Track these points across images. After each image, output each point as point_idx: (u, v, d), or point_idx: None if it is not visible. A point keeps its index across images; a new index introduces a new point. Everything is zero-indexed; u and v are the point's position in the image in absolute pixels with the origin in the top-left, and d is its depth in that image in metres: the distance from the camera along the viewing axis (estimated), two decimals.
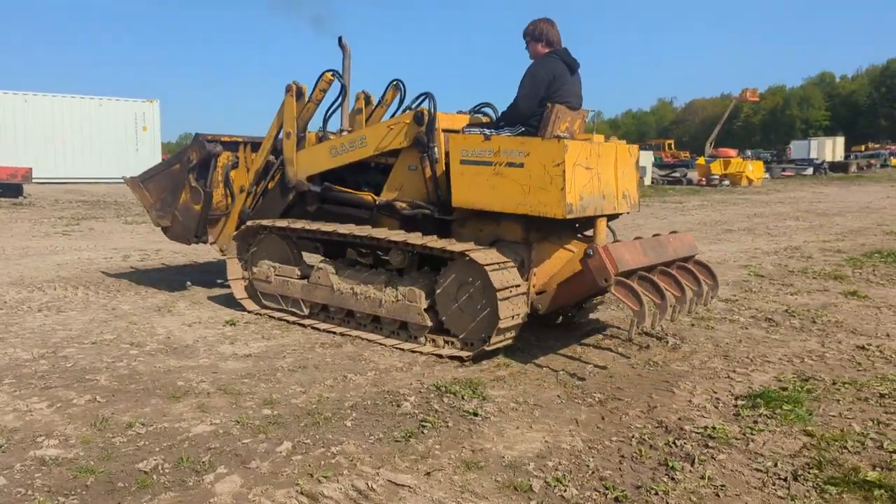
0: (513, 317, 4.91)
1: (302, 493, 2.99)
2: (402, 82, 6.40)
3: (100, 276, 7.75)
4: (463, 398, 4.17)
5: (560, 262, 5.32)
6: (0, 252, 9.37)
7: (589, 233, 5.54)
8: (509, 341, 5.09)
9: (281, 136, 6.59)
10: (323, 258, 6.20)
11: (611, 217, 5.56)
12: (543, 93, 5.29)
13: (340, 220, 6.10)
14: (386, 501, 2.95)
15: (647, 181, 31.90)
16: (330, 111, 6.42)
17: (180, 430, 3.64)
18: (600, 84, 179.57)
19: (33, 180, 19.83)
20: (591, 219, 5.31)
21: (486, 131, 5.35)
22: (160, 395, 4.13)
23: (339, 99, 6.40)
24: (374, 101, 6.52)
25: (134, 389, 4.22)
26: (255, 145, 6.96)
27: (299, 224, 6.04)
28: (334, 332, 5.57)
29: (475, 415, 3.93)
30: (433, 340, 5.32)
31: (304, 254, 6.52)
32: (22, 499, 2.91)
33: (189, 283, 7.29)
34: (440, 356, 5.05)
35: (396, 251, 5.57)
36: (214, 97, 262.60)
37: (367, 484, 3.08)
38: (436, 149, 5.47)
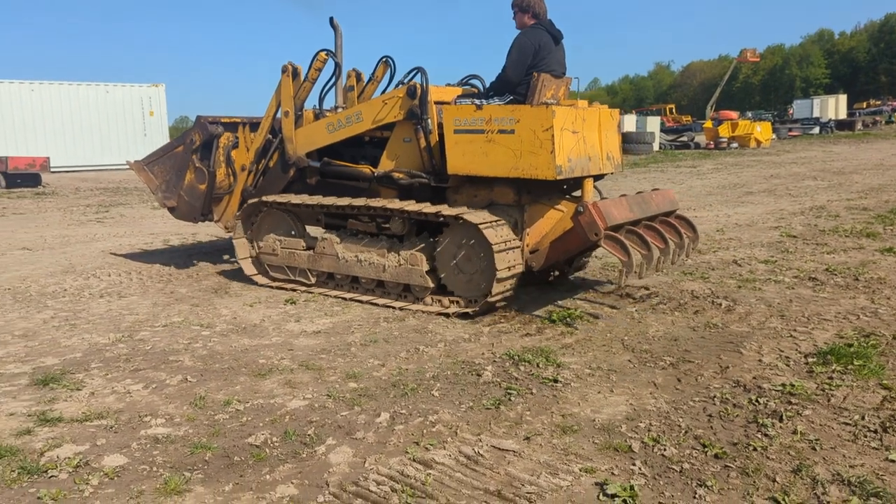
0: (509, 267, 5.31)
1: (415, 461, 3.12)
2: (391, 59, 6.69)
3: (147, 262, 7.84)
4: (538, 366, 4.30)
5: (551, 221, 5.66)
6: (42, 241, 9.46)
7: (577, 193, 5.88)
8: (509, 292, 5.47)
9: (279, 115, 6.83)
10: (325, 229, 6.46)
11: (597, 178, 5.88)
12: (530, 61, 5.61)
13: (340, 192, 6.41)
14: (496, 465, 3.08)
15: (656, 146, 31.83)
16: (325, 89, 6.73)
17: (277, 406, 3.77)
18: (597, 51, 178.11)
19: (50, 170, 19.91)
20: (578, 180, 5.66)
21: (477, 101, 5.63)
22: (246, 373, 4.26)
23: (334, 77, 6.71)
24: (365, 78, 6.84)
25: (219, 369, 4.35)
26: (254, 125, 7.22)
27: (313, 200, 6.31)
28: (392, 307, 5.68)
29: (555, 381, 4.05)
30: (439, 301, 5.69)
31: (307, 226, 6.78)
32: (148, 475, 3.04)
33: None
34: (463, 313, 5.18)
35: (397, 219, 5.89)
36: (205, 80, 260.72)
37: (473, 450, 3.21)
38: (429, 120, 5.81)
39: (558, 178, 5.22)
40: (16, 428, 3.47)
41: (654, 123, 34.87)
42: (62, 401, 3.82)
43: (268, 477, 3.01)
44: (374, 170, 6.23)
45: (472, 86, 6.50)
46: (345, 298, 6.07)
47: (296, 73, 6.70)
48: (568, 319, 5.27)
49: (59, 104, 26.60)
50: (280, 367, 4.36)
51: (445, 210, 5.52)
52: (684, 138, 37.12)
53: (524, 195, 5.70)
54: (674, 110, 62.69)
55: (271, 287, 6.54)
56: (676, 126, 49.46)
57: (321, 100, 6.81)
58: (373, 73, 6.80)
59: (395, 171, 6.07)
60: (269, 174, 7.02)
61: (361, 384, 4.08)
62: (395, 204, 5.79)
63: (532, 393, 3.90)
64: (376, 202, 5.92)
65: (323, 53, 6.62)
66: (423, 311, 5.58)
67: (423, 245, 5.78)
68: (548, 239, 5.59)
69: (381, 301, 5.86)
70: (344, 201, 6.11)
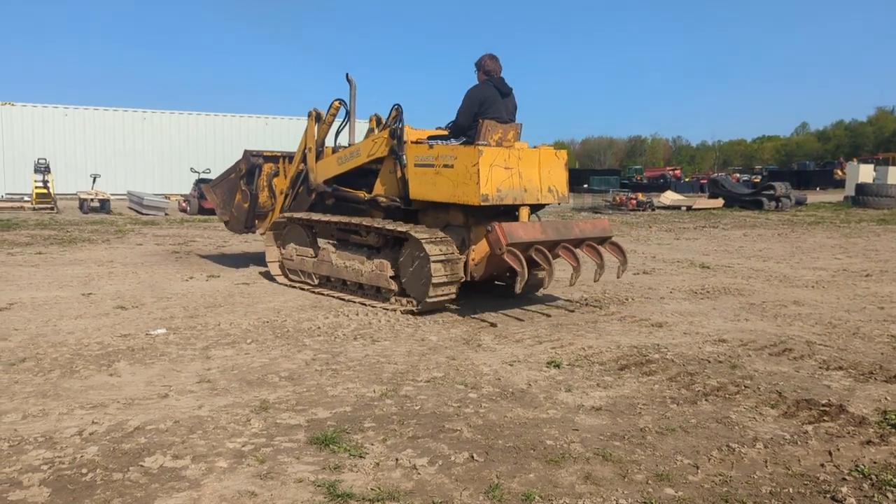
0: (445, 276, 6.50)
1: None
2: (400, 106, 7.75)
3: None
4: None
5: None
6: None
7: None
8: (448, 297, 6.68)
9: (306, 150, 8.58)
10: (329, 241, 8.04)
11: (536, 207, 7.19)
12: (476, 110, 6.83)
13: (350, 212, 7.87)
14: None
15: None
16: (339, 130, 8.53)
17: None
18: (807, 95, 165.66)
19: None
20: (515, 207, 6.87)
21: (430, 142, 6.96)
22: (536, 458, 3.67)
23: (345, 121, 8.38)
24: (384, 121, 8.07)
25: (503, 446, 3.80)
26: (291, 158, 9.01)
27: (307, 216, 8.09)
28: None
29: None
30: (398, 300, 6.98)
31: (319, 239, 8.40)
32: None
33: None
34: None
35: (372, 233, 7.30)
36: None
37: None
38: (404, 156, 7.17)
39: (483, 204, 6.37)
40: (307, 501, 3.10)
41: (895, 174, 31.08)
42: (347, 470, 3.43)
43: None
44: (367, 194, 7.71)
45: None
46: (336, 297, 7.64)
47: (319, 117, 8.48)
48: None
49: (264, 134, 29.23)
50: (573, 454, 3.72)
51: (400, 227, 6.81)
52: None
53: (470, 218, 6.86)
54: None
55: (291, 286, 8.32)
56: None
57: (336, 138, 8.54)
58: (388, 118, 7.87)
59: (379, 196, 7.51)
60: (298, 197, 8.79)
61: (680, 492, 3.33)
62: (364, 221, 7.25)
63: None
64: (346, 219, 7.44)
65: (336, 102, 8.28)
66: (391, 310, 6.92)
67: (389, 255, 7.09)
68: (486, 254, 6.58)
69: (368, 301, 7.25)
70: (326, 217, 7.78)
